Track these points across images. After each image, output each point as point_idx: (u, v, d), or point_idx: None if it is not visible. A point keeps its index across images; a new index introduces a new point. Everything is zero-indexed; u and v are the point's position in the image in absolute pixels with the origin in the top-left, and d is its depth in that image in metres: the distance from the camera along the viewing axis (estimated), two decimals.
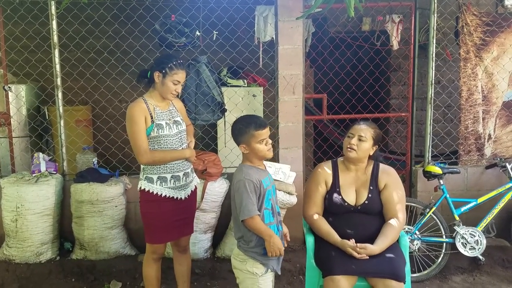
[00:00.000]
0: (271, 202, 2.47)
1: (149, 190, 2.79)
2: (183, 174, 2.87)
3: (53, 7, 3.91)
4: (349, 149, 2.74)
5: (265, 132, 2.44)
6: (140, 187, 2.83)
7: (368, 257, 2.53)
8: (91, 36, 4.42)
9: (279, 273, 2.54)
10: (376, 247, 2.55)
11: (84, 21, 4.27)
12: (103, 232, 3.78)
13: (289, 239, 2.46)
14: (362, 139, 2.71)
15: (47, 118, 4.97)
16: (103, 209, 3.75)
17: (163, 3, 4.26)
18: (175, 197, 2.84)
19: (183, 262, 3.06)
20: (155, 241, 2.87)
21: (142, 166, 2.85)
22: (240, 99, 4.71)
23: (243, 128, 2.42)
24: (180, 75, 2.77)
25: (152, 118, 2.75)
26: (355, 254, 2.52)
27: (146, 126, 2.73)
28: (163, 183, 2.80)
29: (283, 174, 3.85)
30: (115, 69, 4.49)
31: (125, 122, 2.77)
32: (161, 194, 2.79)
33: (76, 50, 4.41)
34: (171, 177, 2.82)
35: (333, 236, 2.65)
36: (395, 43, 4.91)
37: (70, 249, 3.98)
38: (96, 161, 4.08)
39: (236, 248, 2.51)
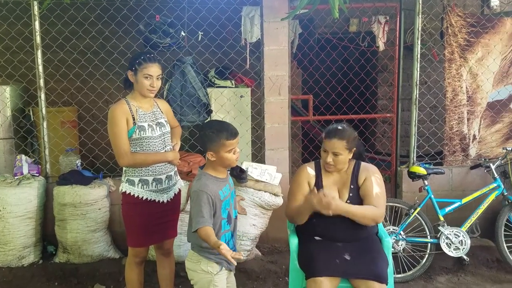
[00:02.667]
0: (227, 211, 2.49)
1: (130, 193, 2.76)
2: (166, 177, 2.84)
3: (35, 7, 3.86)
4: (328, 166, 2.73)
5: (235, 142, 2.43)
6: (122, 190, 2.79)
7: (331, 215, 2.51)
8: (74, 37, 4.37)
9: (233, 271, 2.57)
10: (344, 205, 2.55)
11: (67, 21, 4.22)
12: (86, 235, 3.74)
13: (241, 258, 2.33)
14: (337, 154, 2.68)
15: (30, 119, 4.91)
16: (86, 211, 3.71)
17: (147, 4, 4.22)
18: (157, 200, 2.81)
19: (166, 265, 3.03)
20: (136, 245, 2.84)
21: (124, 168, 2.82)
22: (227, 100, 4.69)
23: (214, 136, 2.39)
24: (151, 69, 2.71)
25: (134, 119, 2.72)
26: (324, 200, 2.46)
27: (128, 127, 2.70)
28: (145, 186, 2.77)
29: (269, 176, 3.84)
30: (99, 70, 4.44)
31: (107, 124, 2.73)
32: (142, 197, 2.76)
33: (59, 51, 4.34)
34: (153, 179, 2.78)
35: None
36: (381, 44, 4.93)
37: (53, 252, 3.94)
38: (79, 163, 4.04)
39: (190, 250, 2.53)
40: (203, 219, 2.31)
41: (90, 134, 4.41)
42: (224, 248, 2.20)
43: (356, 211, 2.59)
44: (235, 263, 2.37)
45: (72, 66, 4.40)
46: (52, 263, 3.81)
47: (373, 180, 2.71)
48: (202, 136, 2.46)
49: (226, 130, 2.40)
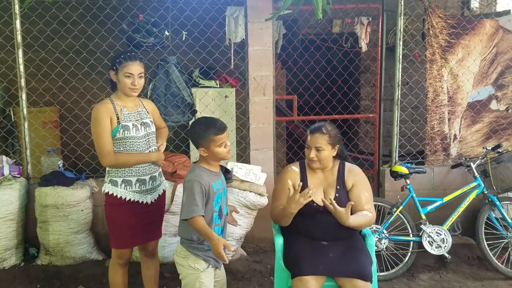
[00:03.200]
0: (219, 205, 2.52)
1: (113, 194, 2.73)
2: (150, 178, 2.82)
3: (16, 6, 3.80)
4: (311, 162, 2.77)
5: (225, 136, 2.48)
6: (104, 190, 2.76)
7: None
8: (56, 36, 4.31)
9: (220, 268, 2.60)
10: (347, 215, 2.51)
11: (49, 20, 4.15)
12: (68, 237, 3.70)
13: (231, 249, 2.43)
14: (319, 149, 2.72)
15: (11, 120, 4.83)
16: (68, 213, 3.67)
17: (131, 3, 4.19)
18: (140, 201, 2.78)
19: (150, 266, 3.00)
20: (120, 246, 2.81)
21: (107, 169, 2.78)
22: (212, 100, 4.68)
23: (202, 132, 2.45)
24: (131, 67, 2.69)
25: (118, 118, 2.69)
26: (328, 205, 2.50)
27: (112, 127, 2.67)
28: (128, 187, 2.74)
29: (254, 176, 3.85)
30: (81, 70, 4.39)
31: (90, 123, 2.70)
32: (125, 198, 2.73)
33: (41, 50, 4.29)
34: (137, 180, 2.76)
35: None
36: (363, 45, 4.98)
37: (35, 254, 3.88)
38: (61, 164, 3.98)
39: (179, 245, 2.56)
40: (197, 207, 2.36)
41: (72, 135, 4.36)
42: (215, 239, 2.30)
43: (360, 220, 2.61)
44: (226, 261, 2.40)
45: (54, 65, 4.34)
46: (34, 265, 3.75)
47: (362, 186, 2.77)
48: (192, 134, 2.51)
49: (214, 126, 2.45)
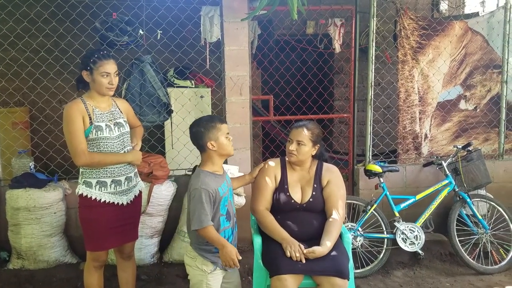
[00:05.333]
0: (226, 208, 2.53)
1: (87, 195, 2.68)
2: (125, 179, 2.78)
3: None
4: (290, 154, 2.80)
5: (227, 127, 2.55)
6: (78, 192, 2.71)
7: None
8: (27, 35, 4.20)
9: (229, 270, 2.58)
10: (324, 249, 2.58)
11: (19, 18, 4.05)
12: (41, 240, 3.62)
13: (239, 258, 2.47)
14: (301, 143, 2.77)
15: None
16: (41, 216, 3.58)
17: (104, 1, 4.12)
18: (115, 202, 2.74)
19: (127, 268, 2.97)
20: (95, 249, 2.76)
21: (80, 170, 2.73)
22: (187, 100, 4.65)
23: (209, 123, 2.49)
24: (106, 66, 2.66)
25: (90, 119, 2.65)
26: (302, 257, 2.54)
27: (84, 127, 2.62)
28: (103, 188, 2.69)
29: (232, 175, 3.83)
30: (53, 69, 4.29)
31: (62, 123, 2.65)
32: (100, 199, 2.69)
33: (11, 49, 4.17)
34: (112, 181, 2.71)
35: (281, 233, 2.66)
36: (337, 46, 5.06)
37: (7, 258, 3.79)
38: (33, 166, 3.89)
39: (189, 245, 2.59)
40: (206, 217, 2.38)
41: (43, 135, 4.25)
42: (228, 247, 2.37)
43: (334, 240, 2.65)
44: (238, 266, 2.43)
45: (24, 64, 4.23)
46: (6, 269, 3.66)
47: (336, 183, 2.81)
48: (197, 132, 2.51)
49: (216, 118, 2.57)
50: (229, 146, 2.53)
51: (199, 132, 2.49)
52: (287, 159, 2.89)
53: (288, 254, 2.54)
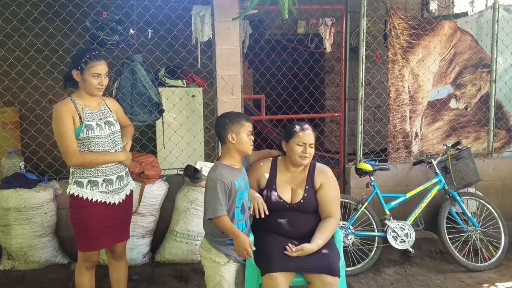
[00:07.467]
0: (242, 201, 2.58)
1: (78, 195, 2.67)
2: (117, 178, 2.77)
3: None
4: (303, 158, 2.75)
5: (251, 127, 2.60)
6: (69, 192, 2.70)
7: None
8: (16, 34, 4.16)
9: (242, 262, 2.63)
10: (314, 246, 2.61)
11: (8, 17, 4.02)
12: (32, 240, 3.59)
13: (253, 248, 2.54)
14: (312, 146, 2.78)
15: None
16: (31, 216, 3.56)
17: (94, 0, 4.10)
18: (107, 202, 2.73)
19: (118, 269, 2.96)
20: (86, 249, 2.75)
21: (71, 170, 2.72)
22: (179, 100, 4.64)
23: (235, 118, 2.56)
24: (98, 67, 2.66)
25: (80, 118, 2.64)
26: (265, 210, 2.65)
27: (74, 127, 2.61)
28: (94, 187, 2.69)
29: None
30: (43, 69, 4.26)
31: (52, 123, 2.63)
32: (92, 199, 2.68)
33: (0, 49, 4.13)
34: (103, 180, 2.71)
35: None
36: (328, 46, 5.07)
37: None
38: (23, 166, 3.86)
39: (203, 238, 2.66)
40: (221, 207, 2.44)
41: (33, 135, 4.22)
42: (242, 237, 2.44)
43: (325, 240, 2.67)
44: (252, 255, 2.49)
45: (14, 64, 4.20)
46: None
47: (330, 186, 2.82)
48: (222, 122, 2.58)
49: (244, 115, 2.65)
50: (248, 144, 2.57)
51: (224, 123, 2.56)
52: (280, 158, 2.88)
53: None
